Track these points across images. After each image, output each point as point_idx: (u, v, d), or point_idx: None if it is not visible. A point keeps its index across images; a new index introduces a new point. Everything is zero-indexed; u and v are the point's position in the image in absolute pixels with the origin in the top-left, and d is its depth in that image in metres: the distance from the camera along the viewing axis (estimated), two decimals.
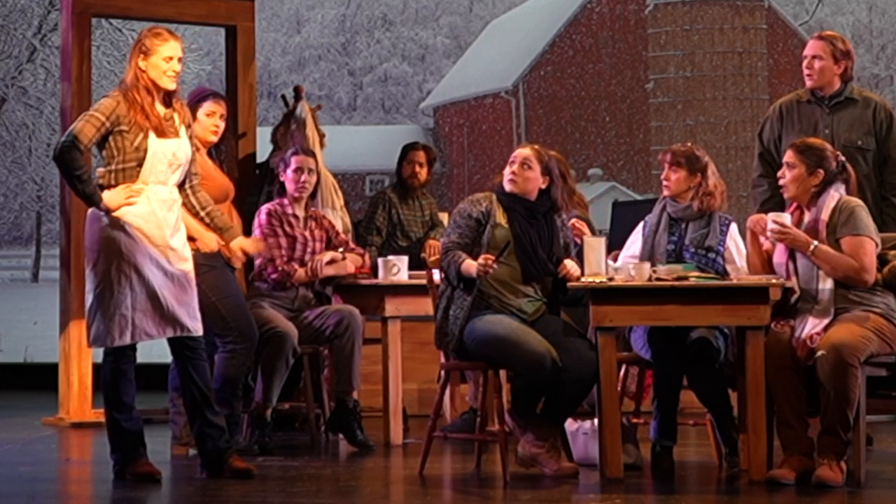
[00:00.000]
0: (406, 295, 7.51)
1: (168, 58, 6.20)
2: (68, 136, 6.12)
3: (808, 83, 7.23)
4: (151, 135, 6.15)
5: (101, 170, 6.22)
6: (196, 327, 6.29)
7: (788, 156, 6.32)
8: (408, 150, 9.18)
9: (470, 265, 6.27)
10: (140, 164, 6.15)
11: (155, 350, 7.29)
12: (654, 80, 34.45)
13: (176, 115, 6.27)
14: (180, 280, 6.26)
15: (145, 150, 6.14)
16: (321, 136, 8.68)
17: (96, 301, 6.17)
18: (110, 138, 6.16)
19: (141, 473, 6.22)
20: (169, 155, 6.20)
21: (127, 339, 6.15)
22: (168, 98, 6.26)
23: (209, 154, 7.23)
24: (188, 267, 6.31)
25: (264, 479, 6.41)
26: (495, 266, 6.23)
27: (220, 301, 6.92)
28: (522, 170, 6.48)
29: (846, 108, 7.21)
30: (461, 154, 35.07)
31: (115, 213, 6.14)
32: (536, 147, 6.57)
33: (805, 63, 7.23)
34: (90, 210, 6.23)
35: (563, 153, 7.47)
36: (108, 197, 6.15)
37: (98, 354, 8.71)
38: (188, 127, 6.34)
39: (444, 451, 7.20)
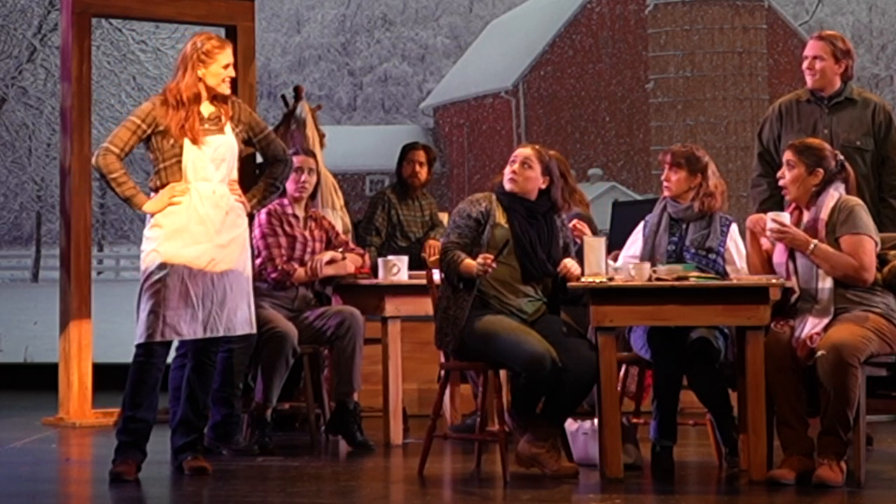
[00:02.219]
0: (406, 295, 7.51)
1: (226, 65, 6.34)
2: (106, 144, 6.25)
3: (809, 83, 7.24)
4: (185, 142, 6.23)
5: (150, 181, 6.34)
6: (232, 327, 6.37)
7: (788, 156, 6.33)
8: (408, 149, 9.19)
9: (469, 265, 6.27)
10: (180, 162, 6.21)
11: None
12: (654, 80, 34.42)
13: (223, 113, 6.33)
14: (225, 279, 6.30)
15: (181, 147, 6.21)
16: (321, 136, 8.68)
17: (140, 300, 6.26)
18: (152, 140, 6.28)
19: (113, 472, 6.27)
20: (210, 151, 6.26)
21: (157, 337, 6.19)
22: (214, 101, 6.36)
23: None
24: (236, 264, 6.36)
25: (264, 479, 6.42)
26: (494, 265, 6.23)
27: None
28: (523, 169, 6.48)
29: (845, 109, 7.22)
30: (461, 154, 35.04)
31: (158, 214, 6.24)
32: (537, 147, 6.58)
33: (806, 64, 7.24)
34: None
35: (563, 153, 7.47)
36: (153, 200, 6.26)
37: (98, 354, 8.76)
38: (237, 122, 6.38)
39: (444, 451, 7.20)
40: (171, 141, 6.24)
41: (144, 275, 6.25)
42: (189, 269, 6.23)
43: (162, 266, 6.22)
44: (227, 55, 6.35)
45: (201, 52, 6.29)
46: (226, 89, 6.35)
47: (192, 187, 6.26)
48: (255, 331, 6.50)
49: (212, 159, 6.29)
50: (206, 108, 6.33)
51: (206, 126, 6.30)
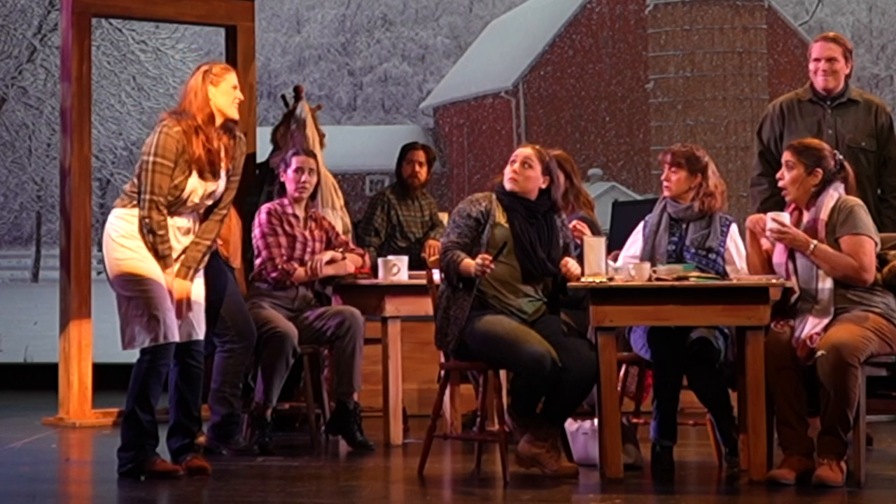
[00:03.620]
0: (406, 295, 7.50)
1: (234, 86, 6.34)
2: (150, 197, 6.17)
3: (821, 85, 7.25)
4: (194, 175, 6.20)
5: (131, 185, 6.30)
6: (202, 332, 6.38)
7: (787, 156, 6.33)
8: (407, 149, 9.19)
9: (468, 265, 6.27)
10: (173, 199, 6.23)
11: None
12: (654, 80, 34.42)
13: (224, 153, 6.31)
14: (193, 288, 6.33)
15: (182, 190, 6.22)
16: (321, 136, 8.68)
17: (129, 307, 6.23)
18: None
19: (161, 472, 6.26)
20: (199, 195, 6.27)
21: (161, 339, 6.18)
22: (221, 131, 6.32)
23: None
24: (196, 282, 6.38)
25: (264, 478, 6.41)
26: (493, 266, 6.23)
27: (218, 300, 6.95)
28: (523, 169, 6.48)
29: (848, 109, 7.25)
30: (461, 154, 35.04)
31: (133, 229, 6.22)
32: (537, 147, 6.58)
33: (822, 66, 7.24)
34: (107, 229, 6.30)
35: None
36: (177, 276, 6.25)
37: (98, 355, 8.75)
38: (233, 160, 6.37)
39: (444, 451, 7.20)
40: (177, 181, 6.21)
41: (131, 280, 6.21)
42: (164, 282, 6.26)
43: (147, 272, 6.21)
44: (234, 77, 6.37)
45: (210, 74, 6.31)
46: (235, 112, 6.35)
47: (168, 221, 6.29)
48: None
49: (196, 205, 6.30)
50: (213, 142, 6.32)
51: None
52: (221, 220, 6.44)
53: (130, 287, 6.22)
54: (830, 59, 7.24)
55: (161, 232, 6.19)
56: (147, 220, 6.18)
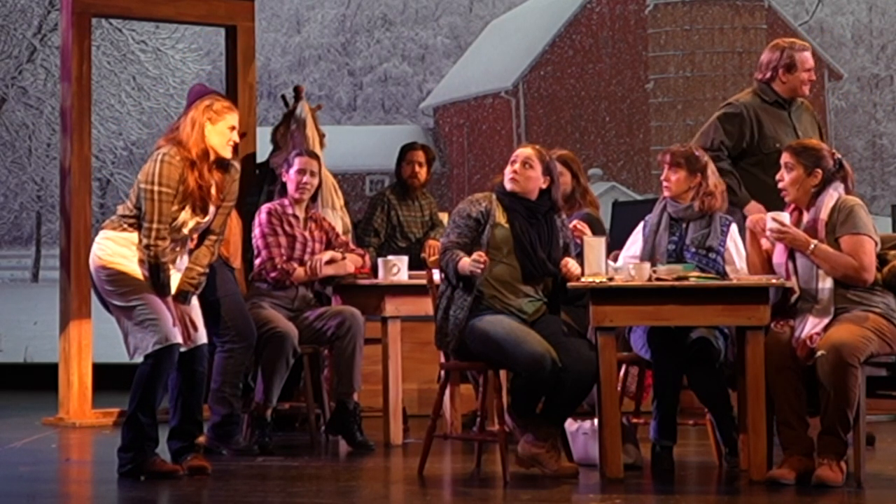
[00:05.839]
0: (406, 295, 7.51)
1: (232, 127, 6.31)
2: (157, 225, 6.16)
3: (804, 92, 7.39)
4: (188, 207, 6.20)
5: (124, 208, 6.29)
6: (205, 336, 6.39)
7: (786, 157, 6.33)
8: (406, 150, 9.18)
9: (466, 263, 6.27)
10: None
11: None
12: (654, 80, 34.41)
13: (215, 189, 6.30)
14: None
15: (174, 220, 6.24)
16: (321, 135, 8.69)
17: (128, 317, 6.23)
18: None
19: (161, 472, 6.27)
20: (189, 227, 6.28)
21: (164, 342, 6.17)
22: (215, 166, 6.32)
23: None
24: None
25: (264, 478, 6.42)
26: (487, 261, 6.22)
27: (218, 301, 6.96)
28: (524, 169, 6.48)
29: (801, 111, 7.40)
30: (461, 154, 35.03)
31: (116, 255, 6.22)
32: (538, 147, 6.58)
33: (808, 76, 7.35)
34: (94, 251, 6.30)
35: None
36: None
37: (98, 355, 8.76)
38: (223, 196, 6.36)
39: (444, 451, 7.20)
40: (172, 210, 6.22)
41: (126, 290, 6.20)
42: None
43: (141, 279, 6.21)
44: (234, 118, 6.34)
45: (210, 110, 6.28)
46: (228, 153, 6.33)
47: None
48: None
49: (183, 235, 6.31)
50: (205, 177, 6.32)
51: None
52: (214, 244, 6.45)
53: (126, 297, 6.21)
54: (812, 69, 7.39)
55: (165, 259, 6.20)
56: (154, 247, 6.17)
